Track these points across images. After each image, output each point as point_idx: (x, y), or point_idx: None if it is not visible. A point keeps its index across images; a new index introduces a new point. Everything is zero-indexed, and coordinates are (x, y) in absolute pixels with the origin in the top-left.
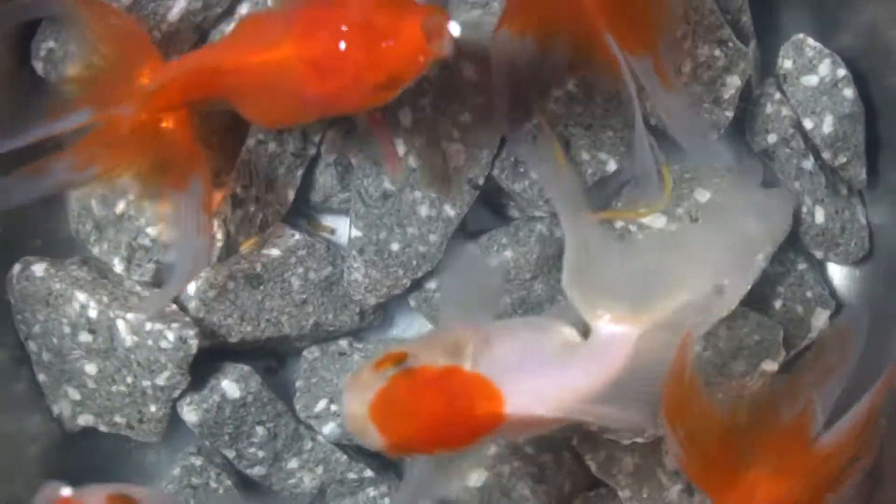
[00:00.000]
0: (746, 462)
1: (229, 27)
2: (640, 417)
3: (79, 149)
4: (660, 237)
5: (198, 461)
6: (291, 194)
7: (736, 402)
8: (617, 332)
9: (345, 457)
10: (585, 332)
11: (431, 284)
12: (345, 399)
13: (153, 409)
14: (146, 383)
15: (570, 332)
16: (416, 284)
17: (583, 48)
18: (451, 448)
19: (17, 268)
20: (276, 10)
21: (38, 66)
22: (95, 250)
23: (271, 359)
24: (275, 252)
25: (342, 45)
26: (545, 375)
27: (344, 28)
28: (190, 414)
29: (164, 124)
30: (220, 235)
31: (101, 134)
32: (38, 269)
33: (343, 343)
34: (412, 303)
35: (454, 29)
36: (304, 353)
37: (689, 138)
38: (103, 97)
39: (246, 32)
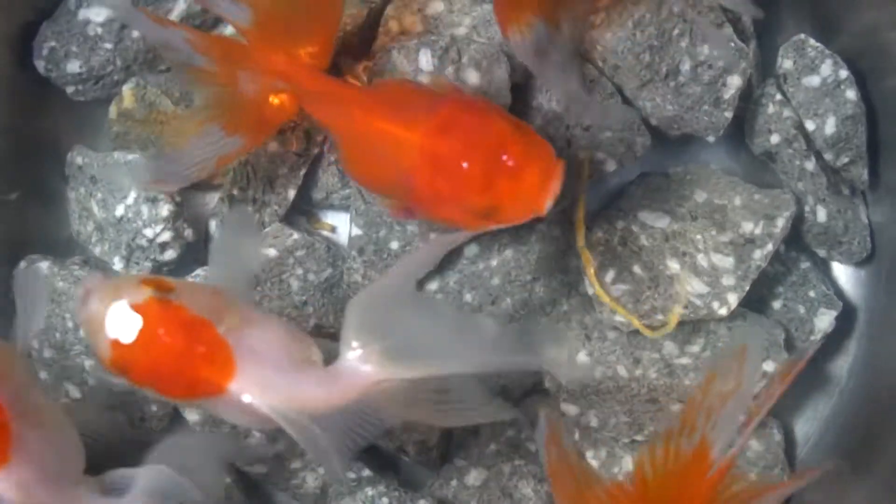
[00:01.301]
0: None
1: (228, 29)
2: (344, 452)
3: (207, 38)
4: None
5: None
6: (292, 194)
7: (640, 455)
8: (358, 368)
9: None
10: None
11: (433, 285)
12: (94, 292)
13: (154, 408)
14: None
15: (316, 353)
16: (416, 286)
17: None
18: (163, 391)
19: (22, 265)
20: (432, 91)
21: (40, 66)
22: (97, 250)
23: None
24: (272, 252)
25: (468, 157)
26: (280, 377)
27: (479, 141)
28: (191, 413)
29: (273, 97)
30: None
31: (230, 46)
32: (43, 266)
33: None
34: None
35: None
36: None
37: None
38: (265, 23)
39: (394, 93)
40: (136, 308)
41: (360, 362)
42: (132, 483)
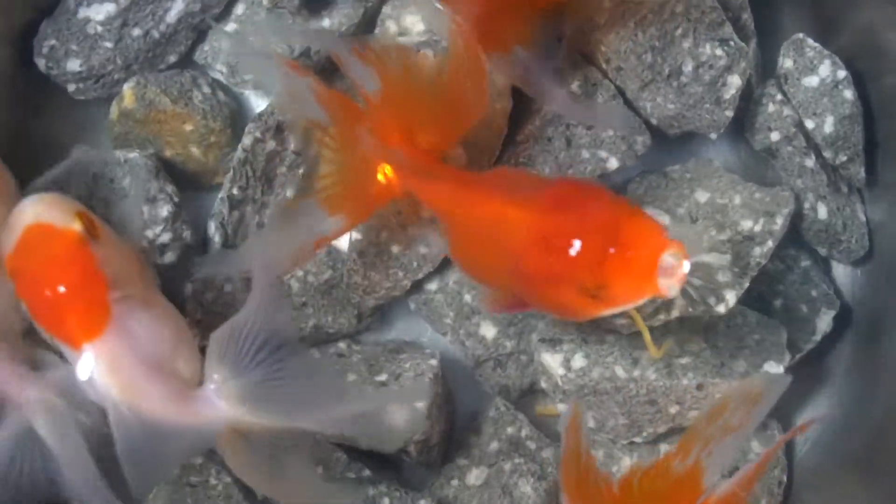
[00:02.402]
0: None
1: (229, 27)
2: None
3: (328, 92)
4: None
5: (198, 459)
6: (290, 193)
7: (633, 467)
8: (211, 402)
9: (344, 456)
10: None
11: (432, 286)
12: (36, 192)
13: None
14: None
15: (190, 372)
16: (416, 286)
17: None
18: (33, 315)
19: None
20: (542, 176)
21: (41, 64)
22: None
23: None
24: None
25: (579, 233)
26: (137, 369)
27: (590, 218)
28: None
29: (380, 173)
30: (217, 238)
31: (348, 105)
32: None
33: (342, 345)
34: (412, 305)
35: (685, 269)
36: None
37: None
38: (391, 96)
39: (505, 178)
40: (51, 232)
41: (216, 396)
42: (56, 372)
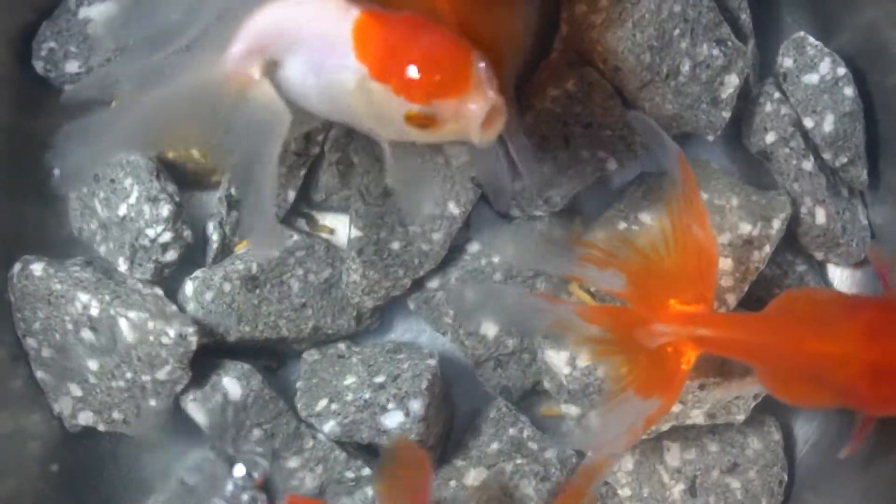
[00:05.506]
0: None
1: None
2: None
3: (594, 309)
4: None
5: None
6: (292, 195)
7: None
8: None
9: (343, 454)
10: None
11: (433, 283)
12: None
13: (153, 403)
14: (146, 378)
15: None
16: (417, 284)
17: None
18: None
19: (17, 267)
20: (835, 293)
21: (38, 66)
22: (102, 249)
23: (271, 359)
24: (274, 252)
25: None
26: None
27: None
28: (196, 413)
29: (669, 346)
30: (215, 237)
31: (617, 312)
32: (37, 268)
33: (342, 346)
34: (412, 305)
35: None
36: (304, 355)
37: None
38: (642, 282)
39: (801, 309)
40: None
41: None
42: None
